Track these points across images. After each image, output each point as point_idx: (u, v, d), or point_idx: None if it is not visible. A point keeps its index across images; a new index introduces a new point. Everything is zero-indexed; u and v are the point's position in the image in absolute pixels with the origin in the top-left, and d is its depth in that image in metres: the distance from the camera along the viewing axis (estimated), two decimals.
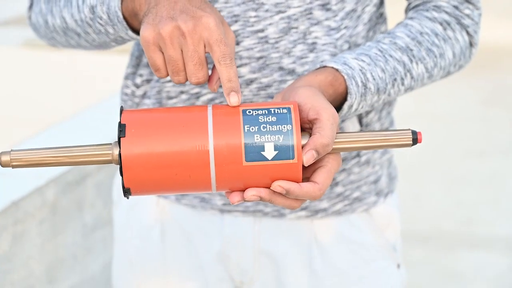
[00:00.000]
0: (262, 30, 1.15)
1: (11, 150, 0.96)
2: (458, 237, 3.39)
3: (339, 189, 1.24)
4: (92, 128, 2.37)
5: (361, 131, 0.99)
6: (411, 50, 1.14)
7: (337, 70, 1.07)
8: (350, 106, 1.08)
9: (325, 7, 1.15)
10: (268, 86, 1.16)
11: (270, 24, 1.15)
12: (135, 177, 0.94)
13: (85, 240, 2.16)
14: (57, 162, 0.97)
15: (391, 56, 1.12)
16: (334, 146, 0.97)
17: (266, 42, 1.15)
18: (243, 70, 1.15)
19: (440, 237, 3.40)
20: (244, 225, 1.24)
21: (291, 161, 0.94)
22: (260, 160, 0.94)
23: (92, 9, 1.10)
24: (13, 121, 4.26)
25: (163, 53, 1.00)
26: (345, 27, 1.17)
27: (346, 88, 1.07)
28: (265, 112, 0.95)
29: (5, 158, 0.96)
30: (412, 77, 1.14)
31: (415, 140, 0.98)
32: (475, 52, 1.22)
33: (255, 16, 1.14)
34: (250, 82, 1.16)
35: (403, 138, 0.98)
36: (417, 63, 1.14)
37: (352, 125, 1.20)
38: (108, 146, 0.97)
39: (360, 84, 1.08)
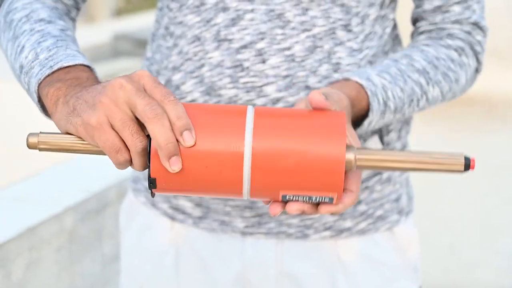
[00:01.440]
0: (288, 48, 1.13)
1: (40, 132, 0.93)
2: (494, 287, 3.32)
3: (362, 207, 1.22)
4: None
5: (410, 151, 0.94)
6: (428, 73, 1.15)
7: (361, 85, 1.06)
8: (370, 123, 1.08)
9: (347, 28, 1.15)
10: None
11: (296, 42, 1.13)
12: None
13: (104, 271, 2.13)
14: (84, 149, 0.94)
15: (409, 77, 1.13)
16: (383, 165, 0.94)
17: (293, 60, 1.13)
18: (269, 89, 1.13)
19: (476, 287, 3.32)
20: (266, 247, 1.21)
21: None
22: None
23: (21, 68, 1.07)
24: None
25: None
26: (367, 48, 1.17)
27: (368, 105, 1.07)
28: (306, 199, 0.92)
29: (33, 140, 0.93)
30: (427, 100, 1.15)
31: (468, 166, 0.92)
32: (477, 78, 1.24)
33: (281, 34, 1.13)
34: (276, 101, 1.13)
35: (455, 163, 0.93)
36: (433, 86, 1.15)
37: (374, 144, 1.18)
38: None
39: (381, 101, 1.08)
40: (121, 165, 0.92)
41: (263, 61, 1.13)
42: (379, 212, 1.23)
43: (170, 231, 1.25)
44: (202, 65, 1.14)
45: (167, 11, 1.19)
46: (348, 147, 0.93)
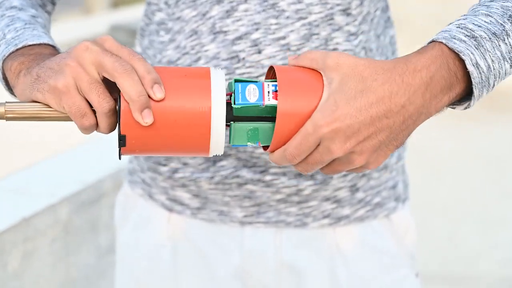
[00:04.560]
0: (283, 38, 1.12)
1: (6, 102, 0.94)
2: (495, 278, 3.31)
3: (360, 195, 1.22)
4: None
5: None
6: None
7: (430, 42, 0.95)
8: (476, 65, 0.92)
9: (346, 11, 1.14)
10: None
11: (291, 31, 1.12)
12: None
13: (99, 262, 2.12)
14: (51, 116, 0.95)
15: (491, 2, 0.97)
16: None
17: (288, 49, 1.12)
18: None
19: (476, 278, 3.32)
20: (266, 237, 1.21)
21: None
22: None
23: None
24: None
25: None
26: (362, 32, 1.16)
27: (458, 64, 0.93)
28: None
29: None
30: None
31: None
32: None
33: (276, 24, 1.12)
34: None
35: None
36: None
37: None
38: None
39: (465, 38, 0.93)
40: (86, 130, 0.94)
41: (259, 52, 1.12)
42: (376, 199, 1.23)
43: (167, 223, 1.24)
44: (199, 58, 1.14)
45: (165, 7, 1.18)
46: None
